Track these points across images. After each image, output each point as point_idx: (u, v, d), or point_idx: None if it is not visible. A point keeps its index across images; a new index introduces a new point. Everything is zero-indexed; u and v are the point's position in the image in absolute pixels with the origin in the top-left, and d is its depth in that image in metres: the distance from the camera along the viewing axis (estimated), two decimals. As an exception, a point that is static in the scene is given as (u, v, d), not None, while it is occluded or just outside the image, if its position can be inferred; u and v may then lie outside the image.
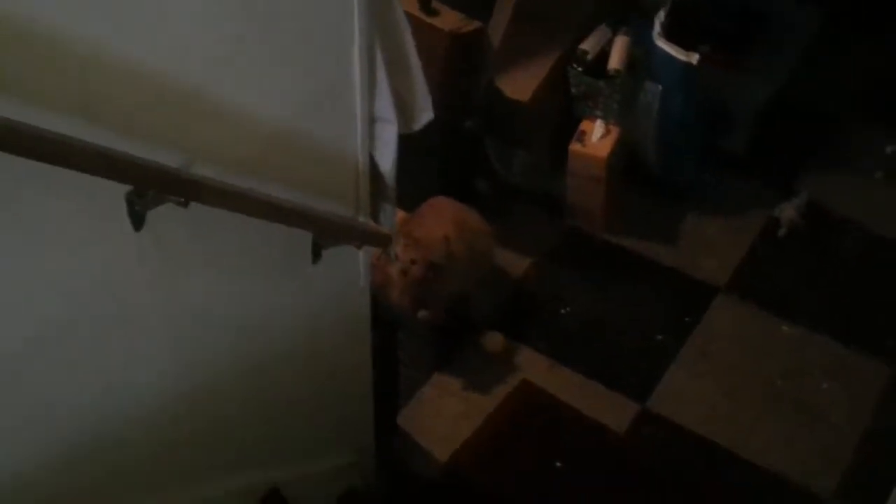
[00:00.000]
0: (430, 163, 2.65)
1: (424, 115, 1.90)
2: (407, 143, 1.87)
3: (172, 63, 1.32)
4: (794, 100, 3.08)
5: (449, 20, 2.53)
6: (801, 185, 2.89)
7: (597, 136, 2.71)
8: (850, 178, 2.93)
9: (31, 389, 1.45)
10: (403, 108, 1.85)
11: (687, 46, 2.71)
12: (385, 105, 1.74)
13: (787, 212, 2.80)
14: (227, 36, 1.38)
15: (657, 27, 2.74)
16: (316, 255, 1.66)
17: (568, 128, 2.75)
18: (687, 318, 2.60)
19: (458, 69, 2.59)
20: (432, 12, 2.53)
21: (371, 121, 1.74)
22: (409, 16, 2.42)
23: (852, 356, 2.51)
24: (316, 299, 1.81)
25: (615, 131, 2.72)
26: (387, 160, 1.80)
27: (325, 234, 1.65)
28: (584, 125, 2.74)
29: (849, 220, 2.82)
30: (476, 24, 2.55)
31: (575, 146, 2.71)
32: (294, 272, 1.72)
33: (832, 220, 2.82)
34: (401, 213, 2.46)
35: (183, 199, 1.37)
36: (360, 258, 1.83)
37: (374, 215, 1.85)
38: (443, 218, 2.46)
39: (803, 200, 2.82)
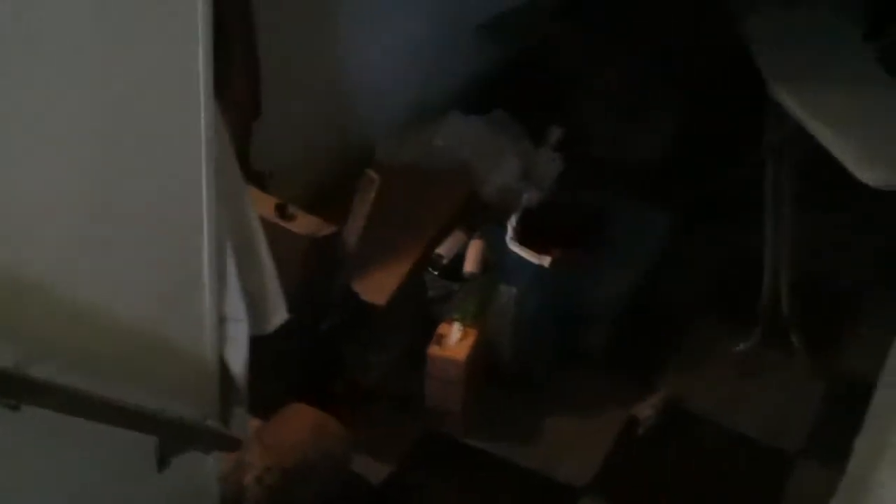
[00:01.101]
0: (287, 366, 2.59)
1: (277, 316, 1.87)
2: (263, 345, 1.82)
3: (10, 255, 1.27)
4: (649, 298, 3.17)
5: (305, 224, 2.53)
6: (659, 383, 2.93)
7: (455, 339, 2.71)
8: (706, 375, 3.00)
9: None
10: (256, 309, 1.81)
11: (540, 249, 2.79)
12: (236, 304, 1.70)
13: (646, 410, 2.83)
14: (71, 230, 1.33)
15: (510, 231, 2.81)
16: (162, 462, 1.57)
17: (426, 330, 2.75)
18: (550, 523, 2.55)
19: (315, 272, 2.58)
20: (289, 217, 2.54)
21: (221, 320, 1.69)
22: (266, 221, 2.44)
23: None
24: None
25: (473, 334, 2.72)
26: (237, 361, 1.74)
27: (172, 439, 1.56)
28: (442, 328, 2.74)
29: (706, 417, 2.86)
30: (332, 228, 2.56)
31: (433, 349, 2.70)
32: (140, 480, 1.62)
33: (690, 418, 2.86)
34: (257, 422, 2.38)
35: (14, 402, 1.28)
36: (210, 465, 1.74)
37: (225, 419, 1.78)
38: (299, 424, 2.39)
39: (661, 398, 2.85)
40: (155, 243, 1.48)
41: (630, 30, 3.49)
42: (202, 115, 1.47)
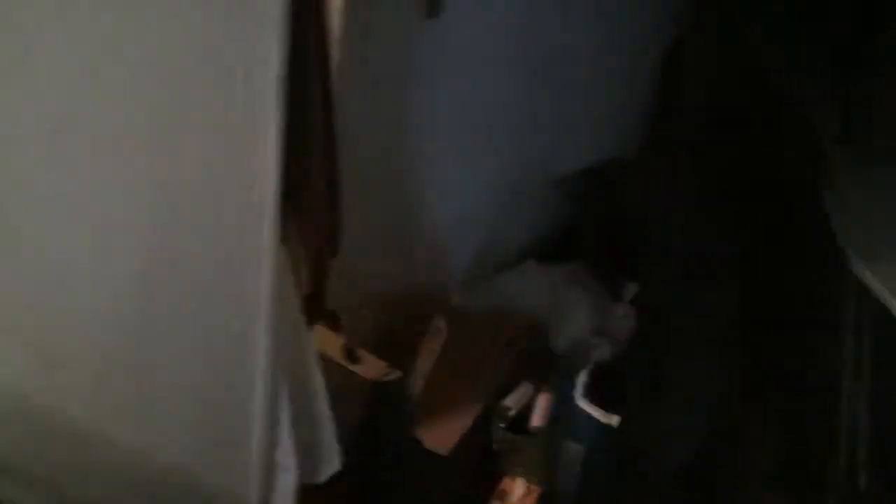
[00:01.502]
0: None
1: (330, 466, 1.85)
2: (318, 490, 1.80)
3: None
4: (708, 462, 3.05)
5: (372, 368, 2.52)
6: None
7: (517, 496, 2.64)
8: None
9: None
10: (308, 458, 1.80)
11: (609, 407, 2.73)
12: (286, 453, 1.69)
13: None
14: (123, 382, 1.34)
15: (579, 387, 2.76)
16: None
17: (488, 483, 2.69)
18: None
19: (378, 417, 2.56)
20: (356, 360, 2.54)
21: (270, 469, 1.67)
22: (332, 362, 2.45)
23: None
24: None
25: (535, 492, 2.65)
26: (284, 512, 1.72)
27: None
28: (506, 483, 2.68)
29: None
30: (397, 374, 2.54)
31: (494, 504, 2.63)
32: None
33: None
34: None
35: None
36: None
37: (267, 571, 1.74)
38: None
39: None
40: (205, 387, 1.48)
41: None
42: (264, 262, 1.47)
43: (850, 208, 2.84)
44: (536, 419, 2.69)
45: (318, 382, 1.80)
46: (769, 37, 3.46)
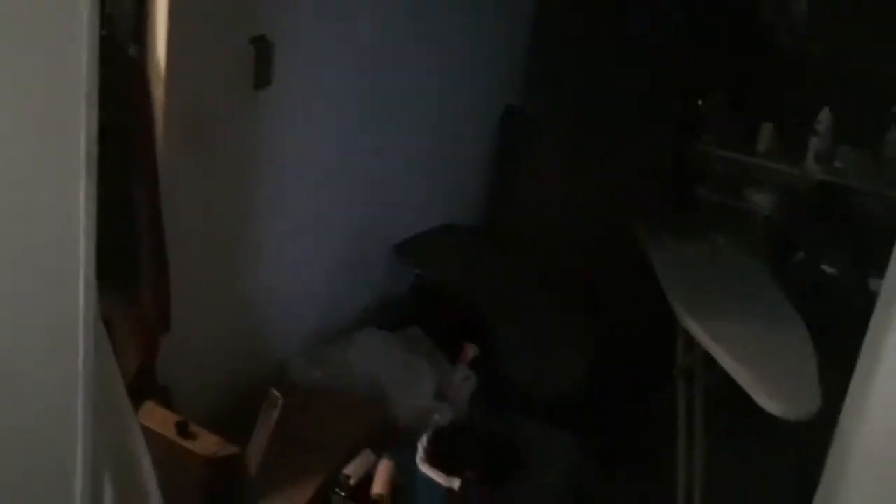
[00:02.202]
0: None
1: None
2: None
3: None
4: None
5: (206, 444, 2.46)
6: None
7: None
8: None
9: None
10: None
11: (450, 471, 2.73)
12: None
13: None
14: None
15: (420, 452, 2.77)
16: None
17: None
18: None
19: (215, 493, 2.50)
20: (190, 436, 2.47)
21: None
22: (165, 438, 2.39)
23: None
24: None
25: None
26: None
27: None
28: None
29: None
30: (233, 449, 2.49)
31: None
32: None
33: None
34: None
35: None
36: None
37: None
38: None
39: None
40: (22, 479, 1.41)
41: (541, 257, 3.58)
42: (80, 337, 1.43)
43: (668, 266, 2.98)
44: (378, 486, 2.67)
45: (145, 460, 1.74)
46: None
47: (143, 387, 2.48)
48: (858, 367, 1.71)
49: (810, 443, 3.49)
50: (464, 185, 3.81)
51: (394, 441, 2.87)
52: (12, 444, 1.40)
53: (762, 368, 2.64)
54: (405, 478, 2.73)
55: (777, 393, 2.58)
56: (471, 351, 3.32)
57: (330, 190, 3.13)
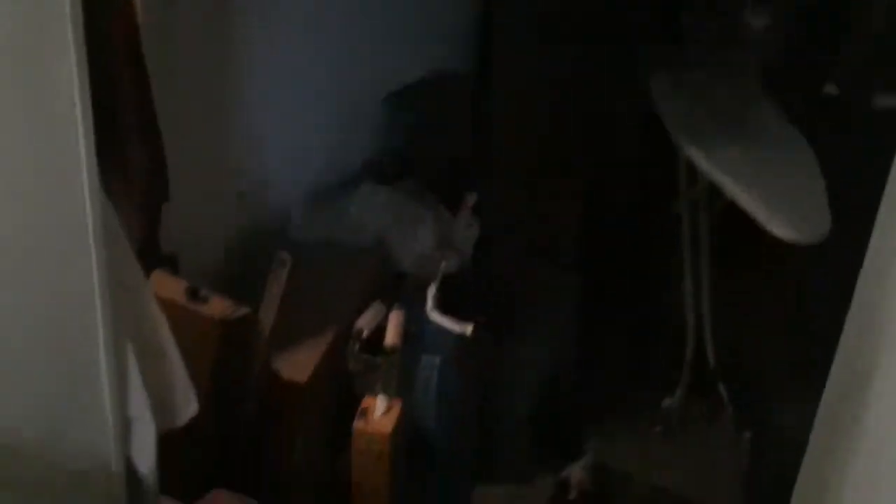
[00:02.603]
0: (208, 452, 2.52)
1: (188, 409, 1.82)
2: (182, 432, 1.77)
3: None
4: (570, 362, 3.18)
5: (218, 307, 2.47)
6: (587, 446, 2.92)
7: (379, 413, 2.66)
8: (632, 435, 3.00)
9: None
10: (163, 405, 1.76)
11: (461, 317, 2.76)
12: (140, 403, 1.65)
13: (576, 473, 2.80)
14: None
15: (430, 301, 2.79)
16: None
17: (349, 406, 2.70)
18: None
19: (231, 356, 2.52)
20: (201, 300, 2.48)
21: (126, 420, 1.63)
22: (177, 305, 2.39)
23: None
24: None
25: (397, 406, 2.68)
26: (145, 461, 1.68)
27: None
28: (366, 402, 2.69)
29: (634, 476, 2.85)
30: (246, 310, 2.50)
31: (358, 424, 2.64)
32: None
33: (618, 478, 2.84)
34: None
35: None
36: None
37: (135, 524, 1.71)
38: (219, 514, 2.30)
39: (590, 461, 2.83)
40: (44, 349, 1.42)
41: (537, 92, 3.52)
42: (87, 203, 1.41)
43: (668, 95, 2.93)
44: (390, 337, 2.70)
45: (163, 327, 1.75)
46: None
47: (149, 257, 2.47)
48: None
49: (813, 274, 3.58)
50: (453, 27, 3.72)
51: (402, 292, 2.89)
52: (32, 323, 1.40)
53: (769, 194, 2.62)
54: (417, 327, 2.76)
55: (786, 217, 2.57)
56: (471, 199, 3.30)
57: (326, 40, 3.05)
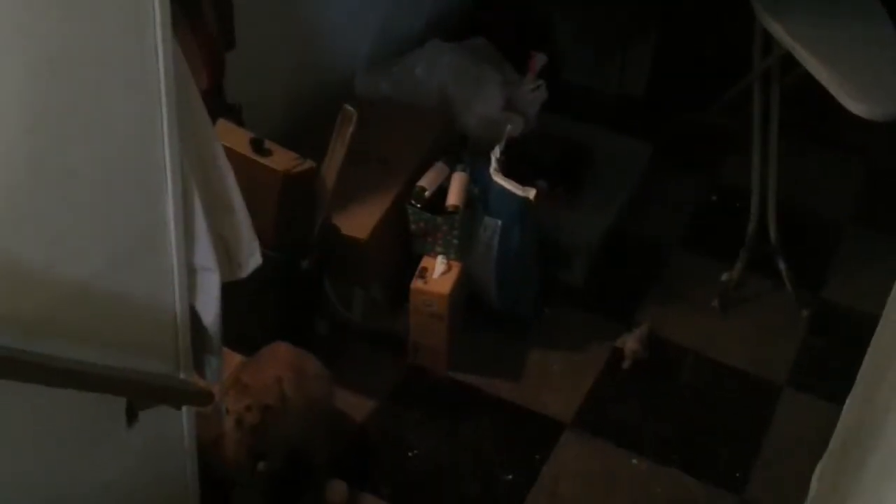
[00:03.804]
0: (269, 305, 2.56)
1: (252, 260, 1.82)
2: (242, 285, 1.78)
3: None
4: (630, 232, 3.16)
5: (282, 160, 2.46)
6: (642, 316, 2.91)
7: (438, 273, 2.67)
8: (688, 307, 2.98)
9: None
10: (228, 255, 1.77)
11: (524, 182, 2.73)
12: (205, 253, 1.65)
13: (630, 343, 2.80)
14: (10, 185, 1.26)
15: (493, 163, 2.75)
16: (131, 417, 1.54)
17: (408, 265, 2.71)
18: (536, 456, 2.54)
19: (293, 208, 2.53)
20: (265, 152, 2.47)
21: (190, 271, 1.64)
22: (241, 156, 2.39)
23: (700, 488, 2.49)
24: (135, 465, 1.67)
25: (456, 268, 2.68)
26: (209, 311, 1.70)
27: (140, 396, 1.53)
28: (426, 262, 2.70)
29: (688, 348, 2.85)
30: (310, 164, 2.49)
31: (416, 283, 2.66)
32: (107, 437, 1.59)
33: (673, 350, 2.84)
34: (238, 359, 2.35)
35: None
36: (184, 416, 1.71)
37: (199, 370, 1.74)
38: (278, 362, 2.35)
39: (644, 331, 2.83)
40: (110, 193, 1.41)
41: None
42: (159, 49, 1.39)
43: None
44: (452, 197, 2.68)
45: (230, 177, 1.74)
46: None
47: (214, 106, 2.45)
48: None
49: (882, 152, 3.50)
50: None
51: (466, 153, 2.86)
52: (99, 163, 1.40)
53: (846, 69, 2.53)
54: (479, 189, 2.74)
55: (861, 93, 2.49)
56: (538, 60, 3.22)
57: None
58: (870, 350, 2.08)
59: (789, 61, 2.69)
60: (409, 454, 2.53)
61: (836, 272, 3.13)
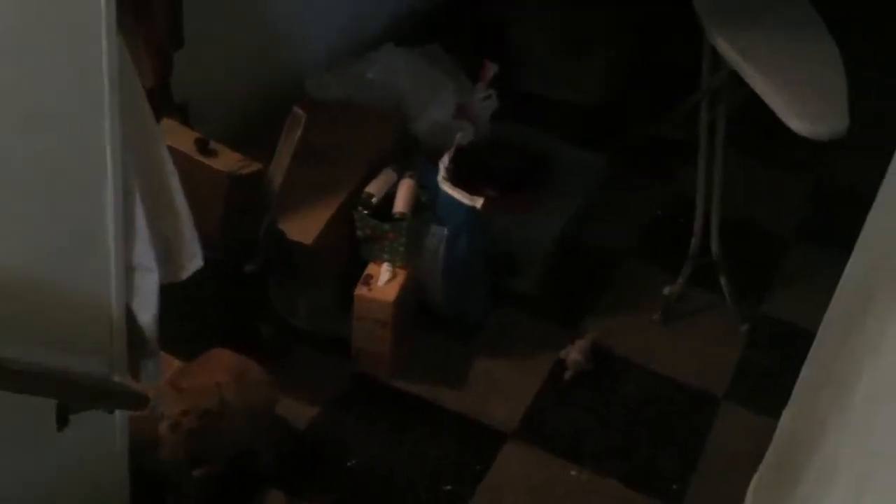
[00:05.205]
0: (212, 308, 2.52)
1: (193, 262, 1.80)
2: (184, 289, 1.76)
3: None
4: (583, 241, 3.18)
5: (227, 161, 2.44)
6: (589, 325, 2.92)
7: (384, 280, 2.66)
8: (632, 319, 3.00)
9: None
10: (169, 256, 1.75)
11: (472, 190, 2.73)
12: (145, 252, 1.63)
13: (573, 354, 2.81)
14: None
15: (442, 171, 2.75)
16: (62, 420, 1.50)
17: (354, 271, 2.69)
18: (477, 466, 2.53)
19: (238, 211, 2.50)
20: (210, 153, 2.44)
21: (129, 269, 1.62)
22: (186, 157, 2.36)
23: (638, 499, 2.49)
24: (65, 469, 1.63)
25: (402, 275, 2.67)
26: (147, 311, 1.67)
27: (71, 398, 1.50)
28: (371, 269, 2.69)
29: (633, 360, 2.86)
30: (256, 166, 2.47)
31: (361, 290, 2.64)
32: (37, 441, 1.55)
33: (616, 361, 2.85)
34: (177, 363, 2.32)
35: None
36: (116, 420, 1.68)
37: (134, 373, 1.71)
38: (217, 368, 2.32)
39: (588, 342, 2.84)
40: (48, 188, 1.38)
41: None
42: (104, 44, 1.36)
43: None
44: (399, 204, 2.67)
45: (173, 178, 1.72)
46: None
47: (160, 105, 2.42)
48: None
49: (826, 169, 3.55)
50: None
51: (415, 160, 2.85)
52: (37, 158, 1.37)
53: (791, 88, 2.56)
54: (427, 197, 2.73)
55: (805, 112, 2.51)
56: (491, 69, 3.23)
57: None
58: (806, 365, 2.11)
59: (738, 79, 2.72)
60: (349, 463, 2.51)
61: (778, 287, 3.18)
